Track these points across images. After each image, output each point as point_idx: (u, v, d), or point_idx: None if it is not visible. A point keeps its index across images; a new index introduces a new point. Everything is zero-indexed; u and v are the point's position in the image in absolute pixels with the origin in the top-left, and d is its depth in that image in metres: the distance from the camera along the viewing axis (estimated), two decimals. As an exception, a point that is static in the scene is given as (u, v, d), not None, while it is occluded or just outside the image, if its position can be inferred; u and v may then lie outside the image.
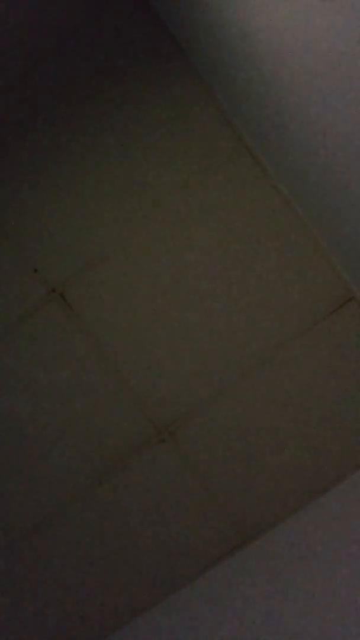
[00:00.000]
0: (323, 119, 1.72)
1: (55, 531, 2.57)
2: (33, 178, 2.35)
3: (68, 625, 2.63)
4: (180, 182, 2.38)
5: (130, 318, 2.45)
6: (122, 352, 2.47)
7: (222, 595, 2.48)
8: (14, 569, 2.59)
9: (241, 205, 2.41)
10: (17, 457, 2.51)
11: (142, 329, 2.46)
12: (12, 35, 2.21)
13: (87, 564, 2.60)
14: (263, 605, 2.32)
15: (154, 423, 2.52)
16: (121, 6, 2.25)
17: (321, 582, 2.24)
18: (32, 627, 2.62)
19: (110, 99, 2.33)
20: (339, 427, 2.56)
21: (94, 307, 2.44)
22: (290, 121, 1.94)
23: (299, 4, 1.44)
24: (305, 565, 2.34)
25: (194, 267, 2.44)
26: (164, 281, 2.44)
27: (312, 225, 2.41)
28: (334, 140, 1.74)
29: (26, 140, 2.32)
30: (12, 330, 2.42)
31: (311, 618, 2.16)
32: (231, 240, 2.43)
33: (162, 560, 2.61)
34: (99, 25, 2.26)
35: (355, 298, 2.48)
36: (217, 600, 2.48)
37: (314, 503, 2.58)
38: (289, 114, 1.92)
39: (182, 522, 2.59)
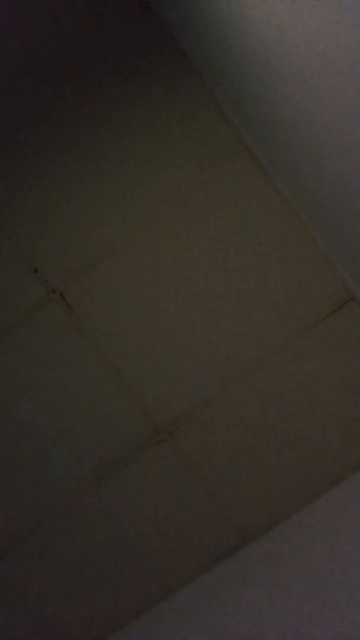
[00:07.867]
0: (323, 119, 1.72)
1: (55, 531, 2.57)
2: (33, 178, 2.35)
3: (68, 625, 2.63)
4: (179, 181, 2.38)
5: (130, 318, 2.45)
6: (122, 352, 2.47)
7: (222, 595, 2.48)
8: (14, 569, 2.59)
9: (241, 205, 2.41)
10: (17, 457, 2.51)
11: (142, 329, 2.46)
12: (12, 35, 2.21)
13: (87, 564, 2.60)
14: (263, 605, 2.32)
15: (154, 423, 2.52)
16: (122, 6, 2.25)
17: (321, 582, 2.24)
18: (32, 627, 2.62)
19: (110, 98, 2.33)
20: (339, 427, 2.56)
21: (94, 307, 2.44)
22: (290, 121, 1.94)
23: (298, 4, 1.44)
24: (305, 565, 2.34)
25: (194, 267, 2.44)
26: (164, 281, 2.44)
27: (312, 225, 2.41)
28: (335, 140, 1.74)
29: (26, 140, 2.32)
30: (12, 330, 2.42)
31: (311, 618, 2.16)
32: (231, 240, 2.43)
33: (162, 560, 2.61)
34: (99, 25, 2.26)
35: (355, 298, 2.48)
36: (217, 601, 2.48)
37: (314, 503, 2.58)
38: (289, 113, 1.92)
39: (182, 522, 2.59)
